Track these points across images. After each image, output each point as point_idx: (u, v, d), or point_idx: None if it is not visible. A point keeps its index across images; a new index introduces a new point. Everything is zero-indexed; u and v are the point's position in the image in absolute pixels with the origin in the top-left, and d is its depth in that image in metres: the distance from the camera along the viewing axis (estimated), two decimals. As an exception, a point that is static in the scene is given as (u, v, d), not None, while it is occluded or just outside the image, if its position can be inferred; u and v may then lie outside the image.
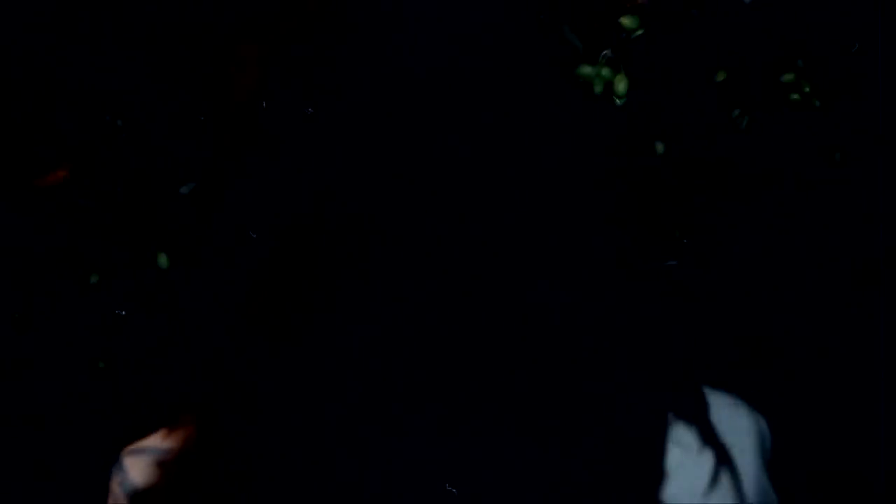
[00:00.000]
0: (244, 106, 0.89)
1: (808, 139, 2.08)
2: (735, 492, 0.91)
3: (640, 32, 1.27)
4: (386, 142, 0.87)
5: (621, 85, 1.27)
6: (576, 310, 0.90)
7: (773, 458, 0.99)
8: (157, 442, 0.95)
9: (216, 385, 0.89)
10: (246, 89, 0.89)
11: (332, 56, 0.88)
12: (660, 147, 2.32)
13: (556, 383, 0.88)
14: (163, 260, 1.51)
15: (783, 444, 2.19)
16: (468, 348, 0.86)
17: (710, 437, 0.91)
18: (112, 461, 0.96)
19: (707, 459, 0.91)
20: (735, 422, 0.95)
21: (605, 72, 1.29)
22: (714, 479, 0.91)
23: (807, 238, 2.29)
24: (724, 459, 0.90)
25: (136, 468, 0.96)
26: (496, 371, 0.87)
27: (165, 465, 0.90)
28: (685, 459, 0.90)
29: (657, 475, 0.90)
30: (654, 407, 0.90)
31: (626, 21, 1.29)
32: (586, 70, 1.29)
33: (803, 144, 2.10)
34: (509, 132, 0.89)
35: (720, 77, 1.93)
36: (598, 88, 1.29)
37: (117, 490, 0.94)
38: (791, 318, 2.42)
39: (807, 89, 1.80)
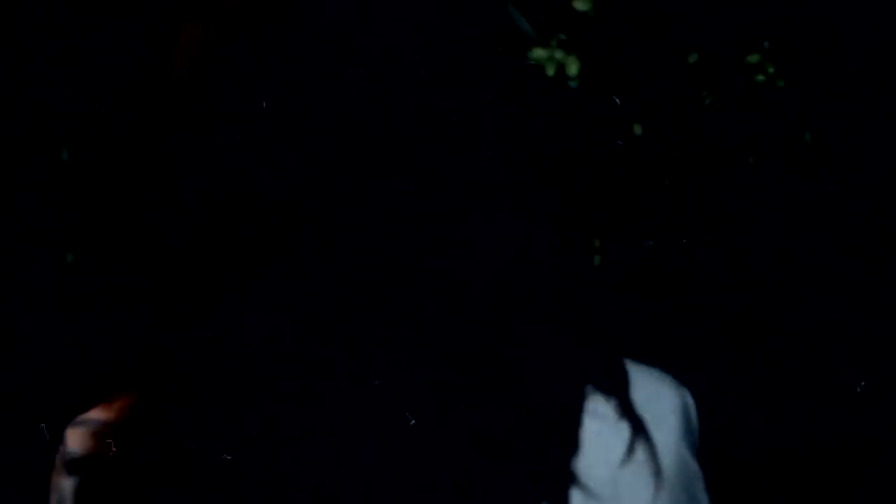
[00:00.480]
0: (183, 87, 0.91)
1: (779, 120, 2.09)
2: (651, 464, 0.93)
3: (590, 14, 1.29)
4: (323, 126, 0.89)
5: (573, 67, 1.29)
6: (513, 279, 0.92)
7: (711, 437, 1.01)
8: (97, 414, 0.97)
9: (150, 360, 0.92)
10: (186, 71, 0.91)
11: (274, 40, 0.90)
12: (637, 129, 2.34)
13: (477, 348, 0.89)
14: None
15: (733, 425, 2.20)
16: (394, 321, 0.88)
17: (627, 409, 0.93)
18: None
19: (623, 431, 0.93)
20: (657, 396, 0.97)
21: (559, 54, 1.30)
22: (630, 451, 0.93)
23: (780, 217, 2.30)
24: (640, 432, 0.92)
25: (75, 439, 0.99)
26: (418, 340, 0.89)
27: (102, 436, 0.92)
28: (601, 430, 0.92)
29: (571, 445, 0.92)
30: (571, 377, 0.92)
31: (578, 4, 1.31)
32: (539, 53, 1.31)
33: (774, 126, 2.11)
34: (455, 118, 0.91)
35: (692, 59, 1.94)
36: (549, 71, 1.31)
37: (58, 461, 0.97)
38: (764, 298, 2.43)
39: (771, 70, 1.81)
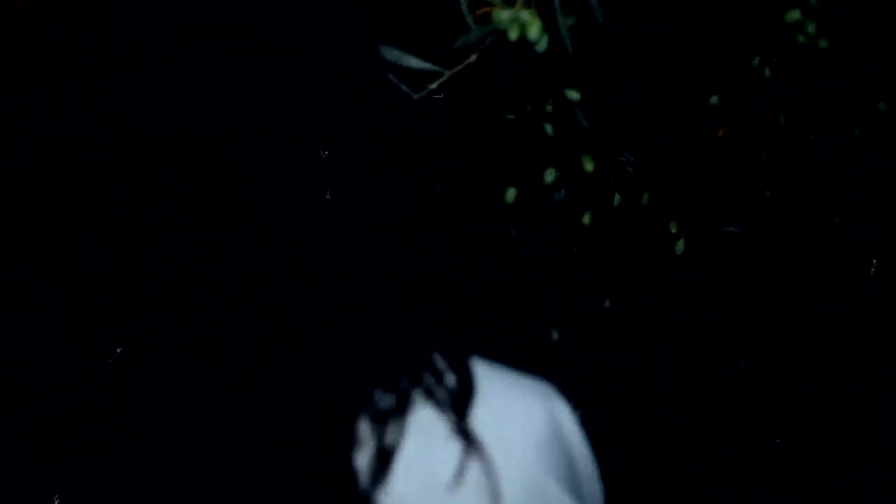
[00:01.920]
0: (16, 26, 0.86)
1: (835, 85, 1.89)
2: (489, 491, 0.79)
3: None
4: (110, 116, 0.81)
5: (533, 29, 1.14)
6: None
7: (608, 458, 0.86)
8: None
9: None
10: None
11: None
12: (714, 99, 2.18)
13: (259, 339, 0.78)
14: None
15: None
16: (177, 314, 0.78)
17: (462, 425, 0.79)
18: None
19: (454, 451, 0.79)
20: (509, 408, 0.82)
21: (525, 15, 1.15)
22: (459, 474, 0.79)
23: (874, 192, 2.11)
24: (474, 451, 0.78)
25: None
26: (202, 338, 0.78)
27: None
28: (422, 451, 0.79)
29: (378, 468, 0.78)
30: (390, 381, 0.79)
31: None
32: (503, 15, 1.16)
33: (833, 91, 1.91)
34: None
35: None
36: (512, 35, 1.16)
37: None
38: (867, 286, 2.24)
39: (810, 29, 1.61)
